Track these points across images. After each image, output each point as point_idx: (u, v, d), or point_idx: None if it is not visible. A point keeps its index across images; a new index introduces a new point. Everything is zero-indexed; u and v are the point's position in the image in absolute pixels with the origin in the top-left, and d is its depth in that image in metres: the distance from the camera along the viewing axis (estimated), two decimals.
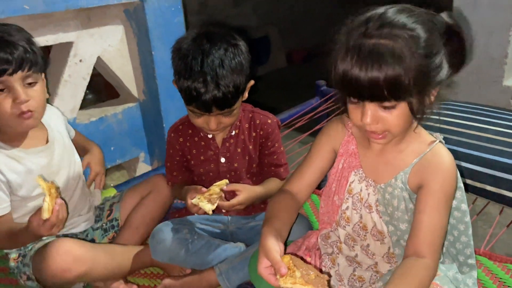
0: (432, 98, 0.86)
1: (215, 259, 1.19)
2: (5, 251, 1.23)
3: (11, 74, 1.05)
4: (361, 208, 0.98)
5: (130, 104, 1.74)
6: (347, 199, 0.99)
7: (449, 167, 0.90)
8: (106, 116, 1.66)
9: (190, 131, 1.29)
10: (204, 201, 1.11)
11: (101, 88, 2.75)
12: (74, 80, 1.55)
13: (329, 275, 1.02)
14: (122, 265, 1.22)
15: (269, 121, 1.29)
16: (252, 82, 1.22)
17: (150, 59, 1.65)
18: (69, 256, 1.08)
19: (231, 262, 1.17)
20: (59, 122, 1.30)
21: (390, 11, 0.81)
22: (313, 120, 2.18)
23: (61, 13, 1.45)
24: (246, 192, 1.19)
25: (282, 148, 1.32)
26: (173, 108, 1.74)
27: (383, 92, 0.78)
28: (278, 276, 0.80)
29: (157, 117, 1.74)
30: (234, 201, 1.17)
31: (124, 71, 1.70)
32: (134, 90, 1.75)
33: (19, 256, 1.20)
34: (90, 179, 1.34)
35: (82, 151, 1.36)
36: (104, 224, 1.34)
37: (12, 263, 1.20)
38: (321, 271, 1.00)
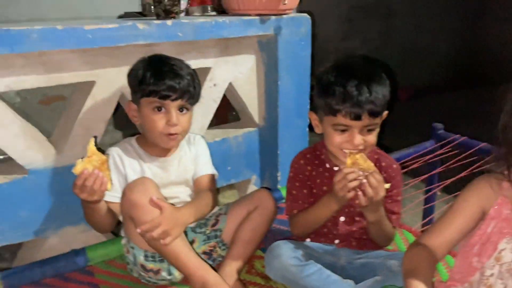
0: None
1: None
2: (123, 242, 1.33)
3: (173, 100, 1.25)
4: (508, 278, 0.91)
5: (250, 129, 1.83)
6: (493, 266, 0.93)
7: None
8: (228, 138, 1.76)
9: (316, 162, 1.33)
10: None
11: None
12: (207, 102, 1.68)
13: None
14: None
15: (394, 166, 1.31)
16: (386, 112, 1.24)
17: (275, 88, 1.74)
18: (151, 186, 1.21)
19: None
20: (190, 154, 1.43)
21: None
22: (426, 164, 2.09)
23: (205, 41, 1.60)
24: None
25: (399, 197, 1.29)
26: (289, 136, 1.81)
27: None
28: None
29: (273, 143, 1.81)
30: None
31: (249, 97, 1.80)
32: (256, 116, 1.84)
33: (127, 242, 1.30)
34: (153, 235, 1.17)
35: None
36: (207, 231, 1.40)
37: (127, 254, 1.30)
38: None
